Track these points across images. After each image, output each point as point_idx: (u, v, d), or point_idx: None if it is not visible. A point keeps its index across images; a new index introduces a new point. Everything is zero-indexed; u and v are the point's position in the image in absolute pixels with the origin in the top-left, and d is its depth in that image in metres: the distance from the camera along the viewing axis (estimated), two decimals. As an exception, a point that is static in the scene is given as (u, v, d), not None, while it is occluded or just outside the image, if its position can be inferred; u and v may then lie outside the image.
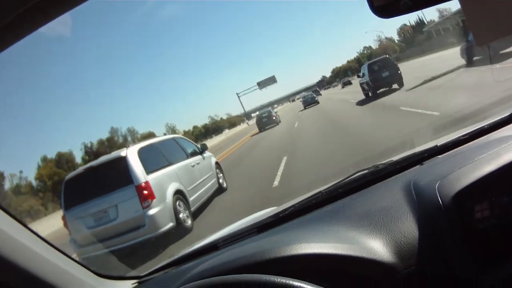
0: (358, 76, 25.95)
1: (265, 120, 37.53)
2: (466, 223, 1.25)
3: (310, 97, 46.87)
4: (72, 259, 1.54)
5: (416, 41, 65.42)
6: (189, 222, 8.43)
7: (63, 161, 63.54)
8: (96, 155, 63.94)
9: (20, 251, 1.27)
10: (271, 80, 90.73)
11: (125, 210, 7.68)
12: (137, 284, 1.87)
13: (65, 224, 8.28)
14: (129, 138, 76.60)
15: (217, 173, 11.44)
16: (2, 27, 1.02)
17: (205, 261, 1.56)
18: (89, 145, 68.98)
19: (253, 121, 67.35)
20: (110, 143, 71.58)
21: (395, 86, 20.90)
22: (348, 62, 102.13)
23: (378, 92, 20.97)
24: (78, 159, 69.93)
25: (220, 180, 11.60)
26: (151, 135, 70.81)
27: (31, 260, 1.30)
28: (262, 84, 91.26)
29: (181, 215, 8.18)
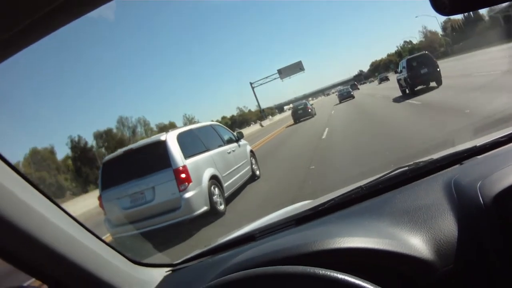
0: (396, 72, 25.31)
1: (301, 112, 37.69)
2: (507, 224, 1.22)
3: (345, 91, 47.04)
4: (108, 245, 1.57)
5: (467, 34, 60.79)
6: (222, 206, 8.66)
7: (38, 159, 56.34)
8: (83, 151, 61.68)
9: (57, 235, 1.29)
10: (297, 67, 77.64)
11: (161, 192, 7.92)
12: (170, 271, 1.87)
13: (101, 204, 8.60)
14: (140, 129, 74.64)
15: (251, 161, 11.65)
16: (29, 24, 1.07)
17: (242, 252, 1.54)
18: (76, 139, 64.14)
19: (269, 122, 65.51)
20: (109, 136, 68.41)
21: (433, 84, 20.22)
22: (388, 55, 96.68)
23: (416, 89, 20.32)
24: (62, 155, 64.61)
25: (254, 168, 11.75)
26: (172, 125, 69.11)
27: (67, 244, 1.33)
28: (284, 72, 78.50)
29: (215, 200, 8.39)
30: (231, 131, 11.76)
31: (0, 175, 1.20)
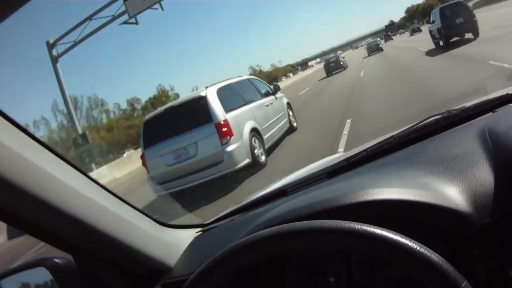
0: (428, 22, 23.24)
1: (333, 65, 37.84)
2: None
3: (374, 44, 47.58)
4: (133, 207, 1.51)
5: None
6: (263, 158, 8.86)
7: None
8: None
9: (75, 199, 1.24)
10: None
11: (204, 147, 8.12)
12: (201, 232, 1.83)
13: (144, 163, 8.87)
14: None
15: (288, 113, 11.78)
16: None
17: (274, 208, 1.51)
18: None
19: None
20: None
21: (468, 35, 18.36)
22: None
23: (451, 41, 18.59)
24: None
25: (291, 120, 11.87)
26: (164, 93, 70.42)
27: (88, 209, 1.27)
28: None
29: (256, 152, 8.58)
30: (267, 84, 11.73)
31: (10, 138, 1.13)
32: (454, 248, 1.21)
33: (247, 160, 8.22)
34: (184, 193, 8.85)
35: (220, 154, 7.98)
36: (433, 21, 20.33)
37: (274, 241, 1.05)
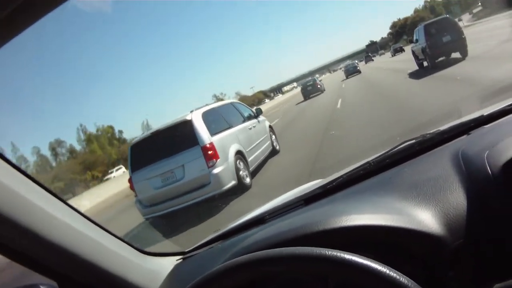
0: (411, 42, 21.80)
1: (310, 88, 37.90)
2: None
3: (352, 66, 47.33)
4: (114, 235, 1.55)
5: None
6: (248, 180, 9.15)
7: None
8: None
9: (61, 229, 1.27)
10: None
11: (191, 170, 8.39)
12: (181, 260, 1.86)
13: (131, 186, 9.08)
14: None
15: (270, 136, 12.14)
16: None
17: (251, 235, 1.55)
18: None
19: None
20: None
21: (455, 55, 16.92)
22: (416, 12, 75.37)
23: (437, 61, 17.23)
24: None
25: (274, 143, 12.25)
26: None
27: (72, 238, 1.31)
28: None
29: (241, 174, 8.88)
30: (250, 108, 12.06)
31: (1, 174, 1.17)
32: (430, 271, 1.24)
33: (233, 182, 8.48)
34: (169, 218, 9.12)
35: (207, 177, 8.23)
36: (416, 40, 19.10)
37: (244, 268, 1.07)
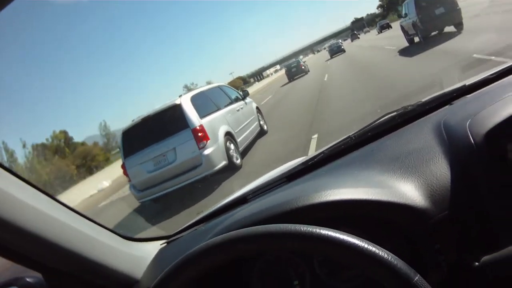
0: (400, 17, 20.53)
1: (294, 70, 38.29)
2: (499, 162, 1.19)
3: (336, 46, 47.40)
4: (97, 223, 1.53)
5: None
6: (238, 160, 9.56)
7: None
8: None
9: (38, 219, 1.24)
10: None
11: (182, 152, 8.74)
12: (165, 244, 1.85)
13: (125, 172, 9.41)
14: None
15: (258, 117, 12.54)
16: None
17: (233, 215, 1.54)
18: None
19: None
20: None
21: (449, 28, 15.76)
22: None
23: (429, 36, 16.15)
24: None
25: (262, 124, 12.66)
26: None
27: (52, 227, 1.28)
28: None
29: (231, 154, 9.27)
30: (236, 90, 12.36)
31: None
32: (414, 244, 1.23)
33: (223, 162, 8.86)
34: (159, 202, 9.55)
35: (198, 158, 8.59)
36: (406, 14, 17.78)
37: (220, 248, 1.06)
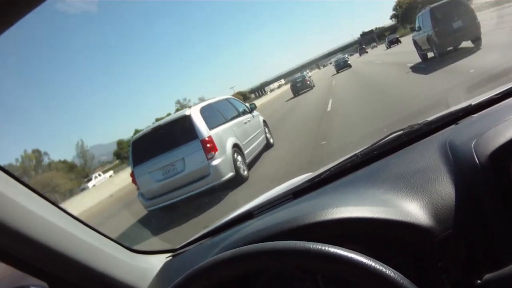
0: (413, 30, 19.40)
1: (299, 85, 38.29)
2: (504, 183, 1.19)
3: (342, 60, 47.16)
4: (104, 235, 1.55)
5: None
6: (245, 172, 9.83)
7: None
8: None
9: (46, 229, 1.26)
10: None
11: (191, 162, 9.02)
12: (171, 257, 1.87)
13: (134, 180, 9.71)
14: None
15: (265, 130, 12.86)
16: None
17: (239, 230, 1.56)
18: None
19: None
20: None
21: (466, 44, 14.77)
22: None
23: (446, 51, 14.99)
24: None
25: (268, 137, 12.95)
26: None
27: (60, 238, 1.30)
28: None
29: (238, 166, 9.52)
30: (244, 103, 12.73)
31: None
32: (419, 262, 1.25)
33: (231, 173, 9.13)
34: (167, 211, 9.77)
35: (206, 168, 8.86)
36: (419, 28, 16.62)
37: (227, 264, 1.07)
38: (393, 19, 79.50)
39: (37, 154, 58.44)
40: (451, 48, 15.22)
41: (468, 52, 13.88)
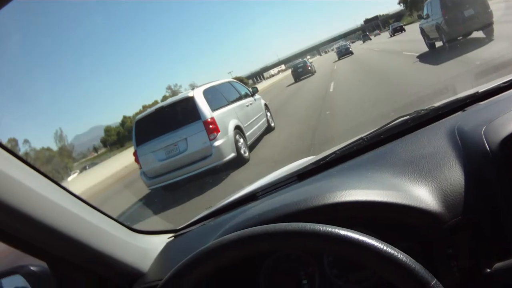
0: (420, 18, 17.98)
1: (300, 70, 38.10)
2: None
3: (344, 47, 46.83)
4: (105, 214, 1.52)
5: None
6: (247, 153, 10.09)
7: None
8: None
9: (46, 207, 1.24)
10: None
11: (194, 143, 9.27)
12: (173, 237, 1.86)
13: (136, 159, 9.98)
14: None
15: (266, 114, 13.10)
16: None
17: (243, 212, 1.54)
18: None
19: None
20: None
21: (477, 34, 13.82)
22: None
23: (455, 40, 14.12)
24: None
25: (269, 120, 13.24)
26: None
27: (61, 217, 1.27)
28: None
29: (240, 147, 9.77)
30: (246, 86, 13.16)
31: None
32: (428, 248, 1.24)
33: (232, 154, 9.40)
34: (168, 191, 10.01)
35: (209, 149, 9.11)
36: (427, 15, 15.71)
37: (236, 245, 1.06)
38: (401, 4, 76.29)
39: (14, 143, 53.14)
40: (460, 37, 14.40)
41: (479, 42, 13.02)
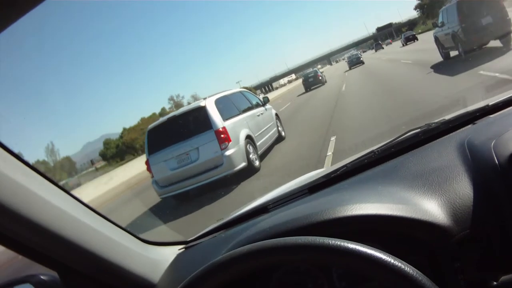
0: (435, 26, 16.88)
1: (311, 80, 38.17)
2: None
3: (355, 57, 46.94)
4: (116, 225, 1.54)
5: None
6: (257, 163, 10.20)
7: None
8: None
9: (58, 217, 1.25)
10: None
11: (205, 152, 9.38)
12: (183, 249, 1.86)
13: (148, 168, 10.09)
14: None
15: (277, 123, 13.22)
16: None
17: (254, 225, 1.55)
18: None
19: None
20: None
21: (493, 43, 13.28)
22: None
23: (472, 49, 13.46)
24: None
25: (280, 129, 13.32)
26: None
27: (73, 227, 1.29)
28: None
29: (251, 157, 9.89)
30: (257, 96, 13.20)
31: (1, 163, 1.16)
32: (435, 261, 1.25)
33: (243, 164, 9.50)
34: (179, 201, 10.12)
35: (220, 158, 9.22)
36: (442, 23, 15.09)
37: (247, 258, 1.07)
38: (418, 10, 73.42)
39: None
40: (476, 47, 13.58)
41: (497, 51, 12.51)
